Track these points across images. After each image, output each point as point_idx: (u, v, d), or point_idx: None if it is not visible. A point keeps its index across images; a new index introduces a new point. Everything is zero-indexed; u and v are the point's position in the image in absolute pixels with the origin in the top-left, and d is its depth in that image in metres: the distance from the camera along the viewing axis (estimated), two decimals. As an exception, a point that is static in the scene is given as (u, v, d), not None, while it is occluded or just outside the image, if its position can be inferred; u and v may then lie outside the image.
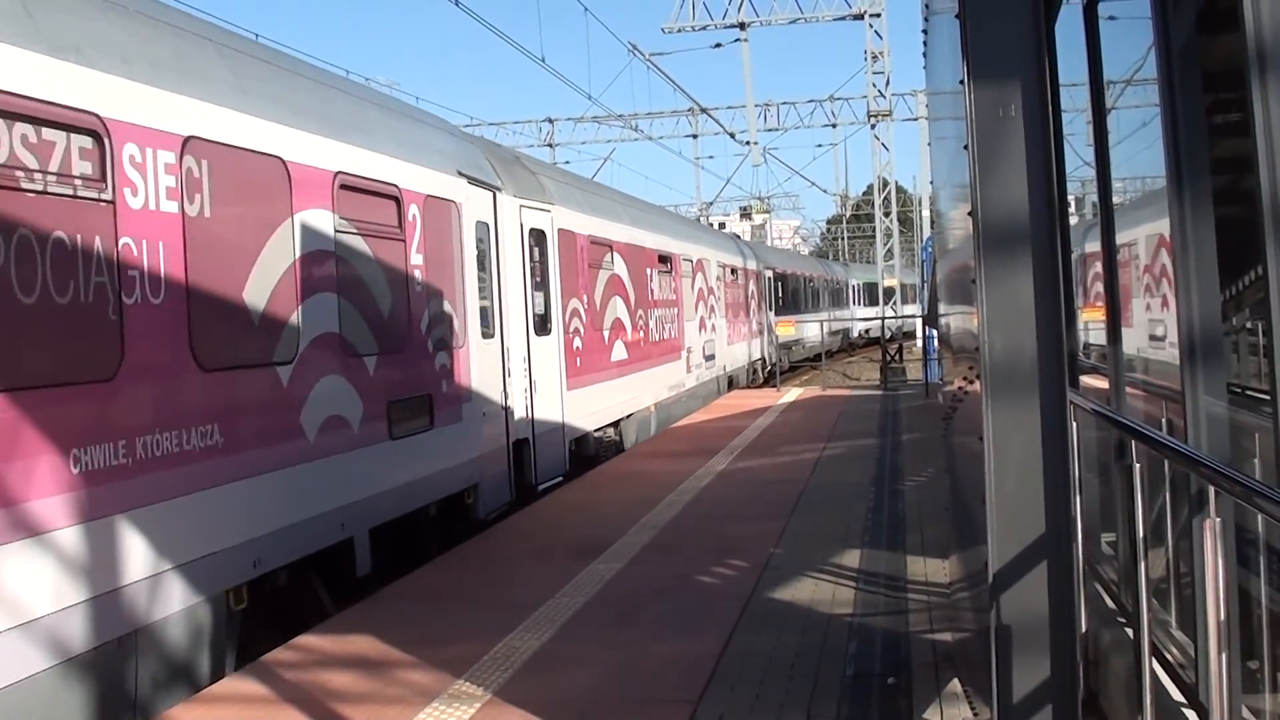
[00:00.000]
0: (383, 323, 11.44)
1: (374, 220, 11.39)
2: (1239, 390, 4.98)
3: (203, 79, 9.02)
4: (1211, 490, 3.79)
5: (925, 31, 9.53)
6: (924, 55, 10.12)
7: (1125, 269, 6.91)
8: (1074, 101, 7.13)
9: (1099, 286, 7.19)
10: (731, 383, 32.63)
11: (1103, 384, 7.53)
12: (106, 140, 7.67)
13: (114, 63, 7.91)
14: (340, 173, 10.76)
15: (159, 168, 8.20)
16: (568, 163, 45.86)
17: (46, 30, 7.33)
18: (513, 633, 8.71)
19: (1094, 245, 8.11)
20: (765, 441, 20.00)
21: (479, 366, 13.95)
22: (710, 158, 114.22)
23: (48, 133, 7.22)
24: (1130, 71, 6.92)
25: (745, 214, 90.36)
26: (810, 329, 50.04)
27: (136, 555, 7.76)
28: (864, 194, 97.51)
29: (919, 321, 36.06)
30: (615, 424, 21.00)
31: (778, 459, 17.62)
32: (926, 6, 8.97)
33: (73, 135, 7.42)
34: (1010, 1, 5.17)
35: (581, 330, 18.75)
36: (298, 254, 9.91)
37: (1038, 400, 4.93)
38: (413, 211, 12.21)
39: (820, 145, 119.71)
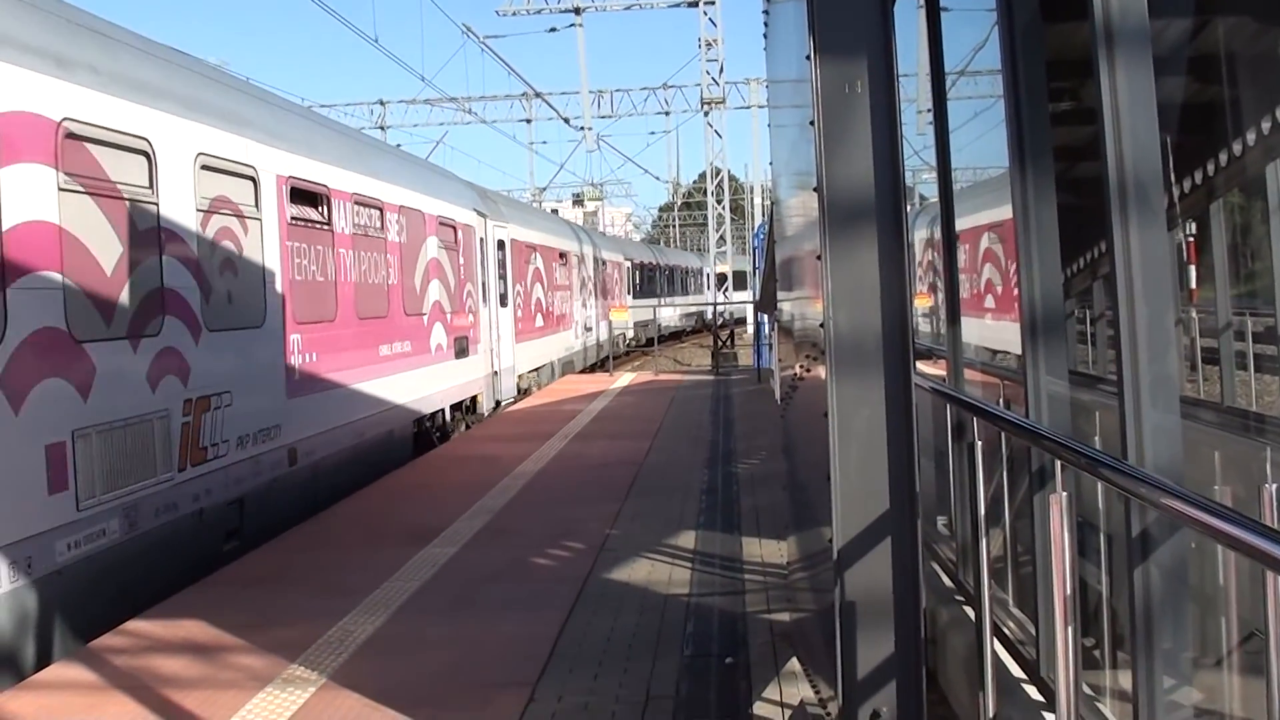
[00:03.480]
0: (451, 294, 20.70)
1: (447, 240, 20.71)
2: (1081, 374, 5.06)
3: (405, 176, 18.93)
4: (1058, 464, 3.83)
5: (766, 13, 9.52)
6: (765, 40, 10.11)
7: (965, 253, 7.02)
8: (906, 93, 7.18)
9: (935, 271, 7.27)
10: (600, 349, 41.03)
11: (936, 370, 7.64)
12: (383, 211, 16.76)
13: (392, 178, 17.68)
14: (440, 215, 20.21)
15: (394, 220, 17.38)
16: (400, 145, 45.01)
17: (366, 167, 16.49)
18: (347, 616, 8.48)
19: (926, 231, 8.22)
20: (600, 425, 19.99)
21: (482, 323, 23.27)
22: (544, 143, 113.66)
23: (371, 212, 16.31)
24: (968, 58, 7.02)
25: (578, 200, 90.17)
26: (664, 311, 58.66)
27: (392, 394, 16.89)
28: (695, 182, 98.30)
29: (749, 307, 36.74)
30: (537, 369, 30.12)
31: (612, 442, 17.60)
32: (769, -12, 8.95)
33: (372, 210, 16.32)
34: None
35: (521, 305, 28.18)
36: (427, 259, 19.18)
37: (882, 375, 4.90)
38: (460, 234, 21.71)
39: (654, 133, 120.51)
